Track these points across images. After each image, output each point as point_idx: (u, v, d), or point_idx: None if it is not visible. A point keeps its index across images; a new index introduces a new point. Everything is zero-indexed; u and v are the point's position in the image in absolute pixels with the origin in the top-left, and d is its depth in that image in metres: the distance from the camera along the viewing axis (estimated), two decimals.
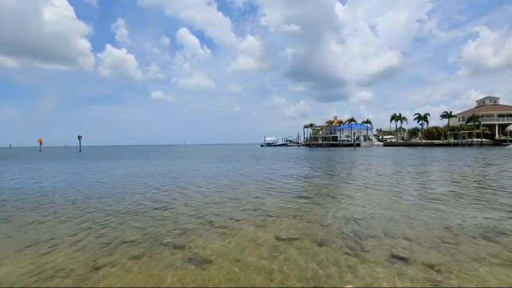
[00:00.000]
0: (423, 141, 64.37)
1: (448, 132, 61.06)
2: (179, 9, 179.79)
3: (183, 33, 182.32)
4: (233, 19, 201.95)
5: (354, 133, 74.45)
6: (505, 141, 54.91)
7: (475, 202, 6.70)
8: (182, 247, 4.05)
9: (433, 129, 66.99)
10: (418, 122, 68.23)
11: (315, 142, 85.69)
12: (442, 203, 6.67)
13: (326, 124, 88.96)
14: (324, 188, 9.53)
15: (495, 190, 8.31)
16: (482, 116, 61.16)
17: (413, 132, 72.38)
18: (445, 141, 59.61)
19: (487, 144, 54.78)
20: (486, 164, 17.46)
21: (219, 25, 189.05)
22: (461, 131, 57.53)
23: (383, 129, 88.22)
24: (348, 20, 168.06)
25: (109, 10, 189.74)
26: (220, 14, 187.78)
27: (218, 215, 5.91)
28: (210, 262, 3.52)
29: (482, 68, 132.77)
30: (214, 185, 10.26)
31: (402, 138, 75.09)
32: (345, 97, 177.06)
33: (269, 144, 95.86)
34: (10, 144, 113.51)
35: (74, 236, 4.66)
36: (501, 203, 6.59)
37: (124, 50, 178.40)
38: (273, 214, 5.91)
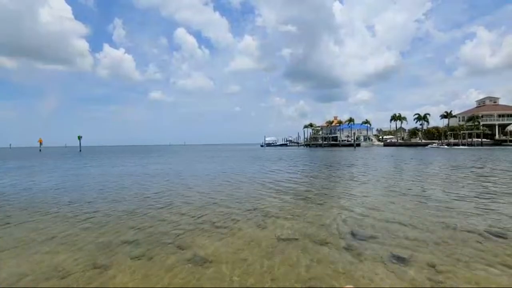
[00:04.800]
0: (423, 141, 64.36)
1: (448, 132, 61.04)
2: (175, 9, 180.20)
3: (181, 34, 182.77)
4: (230, 19, 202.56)
5: (354, 133, 74.43)
6: (505, 141, 54.88)
7: (475, 202, 6.69)
8: (182, 247, 4.05)
9: (433, 129, 67.00)
10: (418, 122, 68.29)
11: (315, 142, 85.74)
12: (442, 203, 6.67)
13: (326, 124, 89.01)
14: (324, 188, 9.53)
15: (495, 191, 8.30)
16: (482, 116, 61.16)
17: (413, 132, 72.40)
18: (445, 141, 59.59)
19: (487, 144, 54.74)
20: (485, 165, 17.44)
21: (216, 26, 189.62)
22: (461, 131, 57.50)
23: (383, 129, 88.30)
24: (346, 20, 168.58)
25: (106, 11, 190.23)
26: (217, 15, 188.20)
27: (218, 215, 5.90)
28: (210, 262, 3.52)
29: (481, 68, 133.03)
30: (214, 185, 10.25)
31: (402, 138, 75.11)
32: (344, 97, 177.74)
33: (269, 144, 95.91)
34: (10, 145, 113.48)
35: (74, 236, 4.65)
36: (500, 204, 6.59)
37: (122, 51, 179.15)
38: (273, 214, 5.90)
